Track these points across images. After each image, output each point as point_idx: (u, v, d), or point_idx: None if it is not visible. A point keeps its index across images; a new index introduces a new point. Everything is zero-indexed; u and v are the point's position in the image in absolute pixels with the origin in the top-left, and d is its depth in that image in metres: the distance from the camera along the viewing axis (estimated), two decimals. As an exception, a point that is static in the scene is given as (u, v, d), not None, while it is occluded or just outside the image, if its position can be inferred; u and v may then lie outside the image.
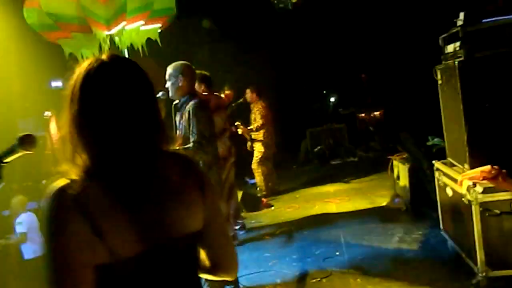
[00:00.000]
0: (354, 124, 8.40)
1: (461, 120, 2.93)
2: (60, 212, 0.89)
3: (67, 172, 0.93)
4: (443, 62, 3.24)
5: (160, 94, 3.33)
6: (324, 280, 3.47)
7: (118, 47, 7.48)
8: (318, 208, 5.40)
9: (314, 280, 3.49)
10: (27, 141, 1.11)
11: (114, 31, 6.85)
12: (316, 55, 8.42)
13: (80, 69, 0.97)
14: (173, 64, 3.45)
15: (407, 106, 7.25)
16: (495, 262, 2.77)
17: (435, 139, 5.39)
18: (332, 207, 5.38)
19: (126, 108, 0.96)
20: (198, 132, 3.11)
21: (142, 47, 7.21)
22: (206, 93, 4.48)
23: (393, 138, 7.88)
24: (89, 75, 0.96)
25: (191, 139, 3.12)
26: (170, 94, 3.31)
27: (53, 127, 11.03)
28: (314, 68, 8.43)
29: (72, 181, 0.92)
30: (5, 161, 1.09)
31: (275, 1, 7.03)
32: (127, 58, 1.06)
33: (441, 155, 3.76)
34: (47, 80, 10.99)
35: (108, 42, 7.32)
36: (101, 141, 0.94)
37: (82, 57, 7.32)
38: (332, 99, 8.67)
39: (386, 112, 8.17)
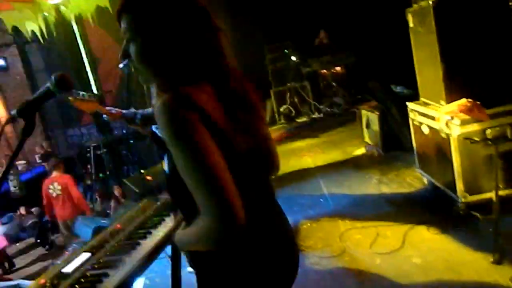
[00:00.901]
0: (317, 81, 8.52)
1: (436, 60, 3.06)
2: (190, 118, 0.95)
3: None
4: (414, 5, 3.33)
5: (121, 65, 3.20)
6: (314, 224, 3.63)
7: (64, 18, 7.01)
8: (294, 163, 5.52)
9: (304, 226, 3.63)
10: (64, 81, 1.04)
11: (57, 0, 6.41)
12: (273, 9, 8.26)
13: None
14: None
15: (367, 59, 7.42)
16: (472, 188, 3.01)
17: (398, 88, 5.63)
18: (308, 161, 5.53)
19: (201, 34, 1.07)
20: None
21: (92, 16, 6.80)
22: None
23: (356, 91, 8.12)
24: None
25: None
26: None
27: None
28: (273, 26, 8.34)
29: (178, 94, 0.97)
30: (40, 106, 1.02)
31: None
32: None
33: (406, 101, 3.93)
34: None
35: (53, 12, 6.84)
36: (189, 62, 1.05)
37: (27, 30, 6.81)
38: (294, 58, 8.67)
39: (347, 66, 8.33)
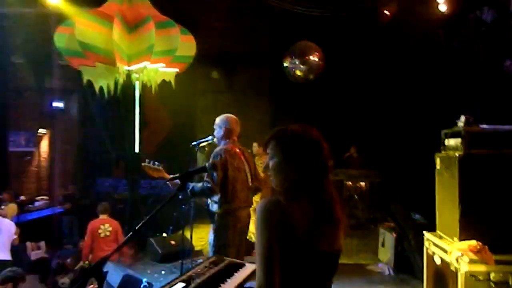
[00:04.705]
0: (340, 190, 9.05)
1: (455, 201, 3.59)
2: (272, 217, 1.42)
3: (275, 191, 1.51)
4: (443, 152, 3.96)
5: (209, 138, 3.89)
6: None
7: (131, 81, 8.03)
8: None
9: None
10: (213, 165, 1.63)
11: (133, 67, 7.45)
12: (315, 115, 9.11)
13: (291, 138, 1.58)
14: (221, 116, 3.92)
15: (393, 182, 8.00)
16: (473, 323, 3.31)
17: (416, 216, 6.09)
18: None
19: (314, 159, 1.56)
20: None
21: (155, 87, 7.82)
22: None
23: (375, 209, 8.57)
24: (298, 141, 1.57)
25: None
26: (216, 141, 3.79)
27: (44, 145, 11.18)
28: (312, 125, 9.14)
29: (279, 199, 1.46)
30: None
31: (290, 74, 7.85)
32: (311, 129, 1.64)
33: (423, 229, 4.37)
34: (48, 100, 11.27)
35: (124, 76, 7.89)
36: (300, 178, 1.52)
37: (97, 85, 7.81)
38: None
39: (371, 184, 8.89)
